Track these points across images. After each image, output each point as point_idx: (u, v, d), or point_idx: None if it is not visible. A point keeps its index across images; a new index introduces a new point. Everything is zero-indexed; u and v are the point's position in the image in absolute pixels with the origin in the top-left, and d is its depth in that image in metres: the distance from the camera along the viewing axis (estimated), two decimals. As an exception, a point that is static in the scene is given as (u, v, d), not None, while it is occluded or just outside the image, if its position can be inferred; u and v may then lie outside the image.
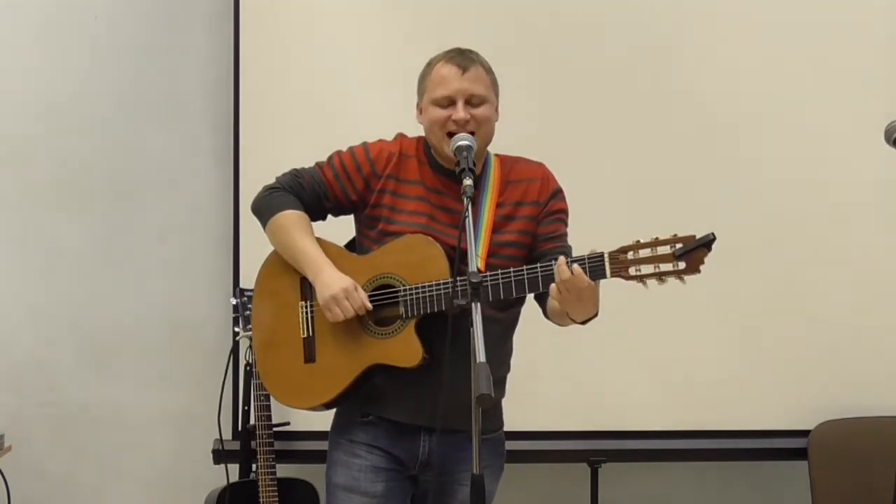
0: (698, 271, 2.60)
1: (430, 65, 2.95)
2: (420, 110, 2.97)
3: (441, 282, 2.78)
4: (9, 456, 4.11)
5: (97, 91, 4.34)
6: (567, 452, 4.14)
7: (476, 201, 2.88)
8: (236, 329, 3.99)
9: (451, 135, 2.86)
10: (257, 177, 3.74)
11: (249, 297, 3.89)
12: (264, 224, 3.00)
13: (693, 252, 2.58)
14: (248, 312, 3.91)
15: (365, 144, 2.99)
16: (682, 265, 2.59)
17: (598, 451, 4.11)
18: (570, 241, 2.98)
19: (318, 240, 2.96)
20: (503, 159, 2.99)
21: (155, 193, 4.36)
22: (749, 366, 4.18)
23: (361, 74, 4.12)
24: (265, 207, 3.00)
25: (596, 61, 4.21)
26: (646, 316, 4.09)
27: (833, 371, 4.19)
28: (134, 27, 4.35)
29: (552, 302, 2.81)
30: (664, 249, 2.61)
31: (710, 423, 4.19)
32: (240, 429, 4.04)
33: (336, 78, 4.15)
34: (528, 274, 2.75)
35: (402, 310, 2.83)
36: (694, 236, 2.59)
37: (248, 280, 3.97)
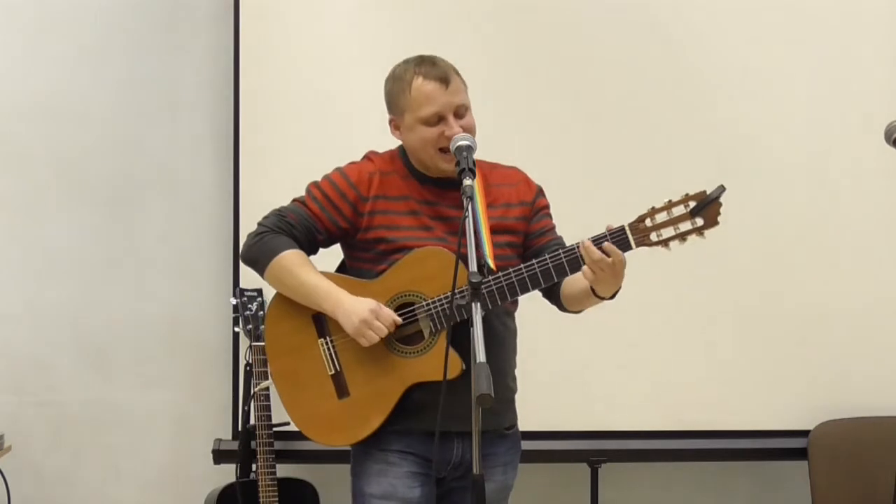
0: (717, 223, 2.67)
1: (403, 80, 2.89)
2: (396, 126, 2.93)
3: (464, 289, 2.77)
4: (9, 456, 4.11)
5: (97, 91, 4.34)
6: (567, 452, 4.14)
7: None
8: (236, 329, 4.00)
9: (443, 150, 2.85)
10: (257, 177, 3.75)
11: (249, 297, 3.93)
12: (262, 269, 2.91)
13: (708, 206, 2.65)
14: (248, 313, 3.92)
15: (341, 170, 2.95)
16: (700, 221, 2.67)
17: (598, 451, 4.11)
18: (570, 237, 2.97)
19: (323, 273, 2.91)
20: (480, 163, 2.95)
21: (155, 193, 4.36)
22: (749, 366, 4.18)
23: (361, 74, 4.12)
24: (260, 253, 2.91)
25: (595, 58, 4.21)
26: (646, 316, 4.10)
27: (833, 371, 4.19)
28: (133, 27, 4.35)
29: (571, 289, 2.85)
30: (679, 210, 2.69)
31: (709, 423, 4.19)
32: (240, 429, 4.05)
33: (336, 78, 4.15)
34: (552, 263, 2.76)
35: (430, 324, 2.82)
36: (705, 192, 2.67)
37: (248, 280, 3.98)
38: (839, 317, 4.19)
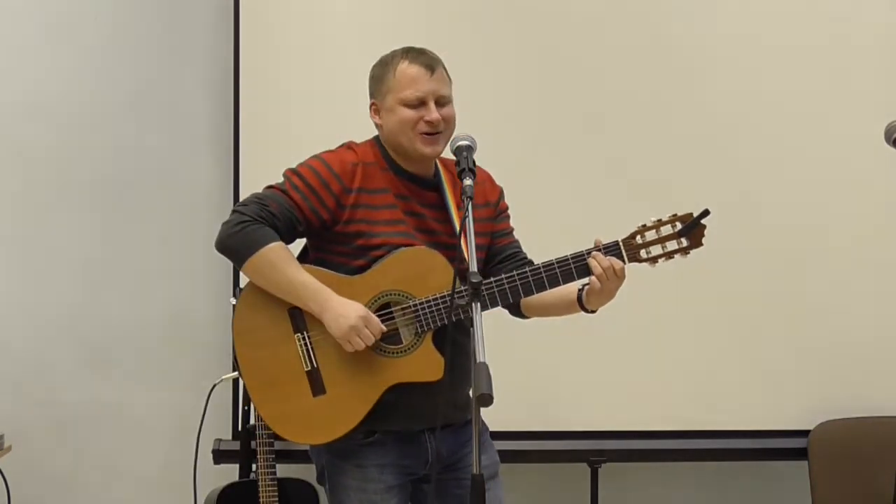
0: (701, 244, 2.81)
1: (387, 64, 2.90)
2: (376, 110, 2.92)
3: (463, 289, 2.76)
4: (9, 456, 4.11)
5: (97, 91, 4.34)
6: (567, 452, 4.14)
7: (443, 205, 2.90)
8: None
9: (426, 135, 2.85)
10: (257, 177, 3.74)
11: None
12: (242, 261, 2.80)
13: (694, 229, 2.79)
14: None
15: (321, 159, 2.89)
16: (685, 242, 2.81)
17: (598, 451, 4.11)
18: (576, 240, 2.95)
19: (305, 267, 2.84)
20: (444, 162, 2.96)
21: (155, 194, 4.36)
22: (749, 366, 4.18)
23: (361, 74, 4.11)
24: (243, 244, 2.79)
25: (595, 58, 4.21)
26: (646, 316, 4.10)
27: (833, 371, 4.19)
28: (134, 27, 4.36)
29: (545, 297, 2.87)
30: (667, 229, 2.81)
31: (710, 423, 4.19)
32: (240, 429, 4.05)
33: (336, 78, 4.14)
34: (559, 267, 2.78)
35: (415, 324, 2.81)
36: (691, 214, 2.81)
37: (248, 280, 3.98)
38: (839, 317, 4.19)
